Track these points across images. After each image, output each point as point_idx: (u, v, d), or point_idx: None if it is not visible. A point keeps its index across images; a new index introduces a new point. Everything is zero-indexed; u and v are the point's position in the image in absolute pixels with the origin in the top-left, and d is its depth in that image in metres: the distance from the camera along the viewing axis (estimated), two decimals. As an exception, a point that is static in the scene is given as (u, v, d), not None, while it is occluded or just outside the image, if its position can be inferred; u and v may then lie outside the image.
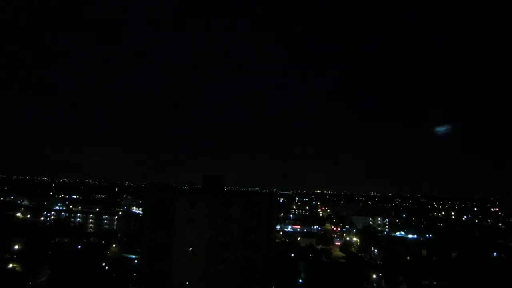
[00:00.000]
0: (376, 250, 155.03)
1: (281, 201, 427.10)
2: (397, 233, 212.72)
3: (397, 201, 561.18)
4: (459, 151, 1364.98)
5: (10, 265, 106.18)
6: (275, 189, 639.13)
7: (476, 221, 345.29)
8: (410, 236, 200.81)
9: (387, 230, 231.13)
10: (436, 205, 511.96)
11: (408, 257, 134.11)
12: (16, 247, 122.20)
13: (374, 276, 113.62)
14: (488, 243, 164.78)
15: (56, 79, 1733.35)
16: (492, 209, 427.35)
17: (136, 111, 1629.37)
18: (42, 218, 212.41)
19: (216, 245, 73.46)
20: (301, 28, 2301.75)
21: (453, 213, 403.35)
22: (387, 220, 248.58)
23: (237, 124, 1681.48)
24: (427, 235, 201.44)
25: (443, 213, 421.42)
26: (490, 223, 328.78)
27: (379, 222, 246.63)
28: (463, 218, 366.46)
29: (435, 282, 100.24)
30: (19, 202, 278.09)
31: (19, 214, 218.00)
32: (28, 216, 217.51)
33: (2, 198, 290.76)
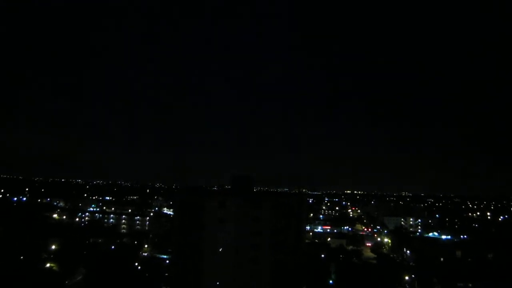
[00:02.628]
0: (408, 251, 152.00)
1: (310, 201, 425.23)
2: (430, 234, 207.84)
3: (429, 201, 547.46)
4: (494, 150, 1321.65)
5: (48, 265, 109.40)
6: (304, 190, 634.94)
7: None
8: (443, 237, 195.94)
9: (419, 230, 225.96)
10: (470, 205, 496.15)
11: (441, 259, 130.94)
12: (53, 247, 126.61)
13: (406, 277, 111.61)
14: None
15: (88, 81, 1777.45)
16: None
17: (165, 113, 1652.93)
18: (77, 219, 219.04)
19: (246, 246, 73.34)
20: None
21: (488, 213, 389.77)
22: (419, 220, 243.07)
23: (267, 124, 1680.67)
24: (461, 236, 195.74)
25: (477, 213, 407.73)
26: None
27: (411, 222, 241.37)
28: (499, 219, 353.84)
29: (470, 284, 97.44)
30: (55, 203, 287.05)
31: (55, 216, 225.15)
32: (64, 217, 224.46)
33: (39, 200, 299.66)
